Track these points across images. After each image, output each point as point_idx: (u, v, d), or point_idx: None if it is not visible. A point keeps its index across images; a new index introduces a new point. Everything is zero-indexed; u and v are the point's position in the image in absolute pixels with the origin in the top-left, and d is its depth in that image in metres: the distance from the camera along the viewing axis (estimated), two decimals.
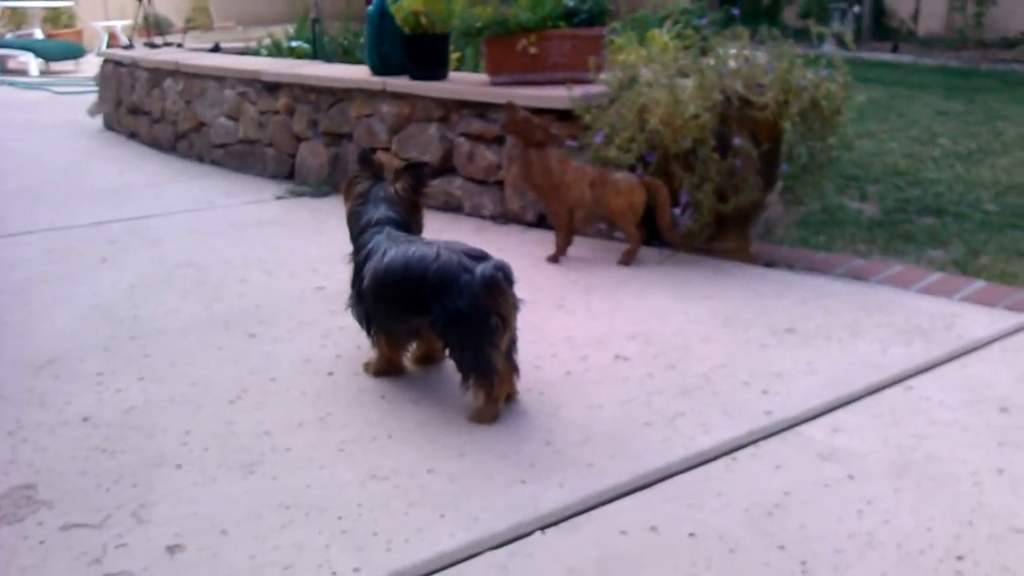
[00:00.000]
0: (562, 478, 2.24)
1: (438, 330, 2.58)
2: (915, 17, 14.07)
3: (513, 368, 2.60)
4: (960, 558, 1.92)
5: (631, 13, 6.54)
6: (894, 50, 12.66)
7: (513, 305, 2.53)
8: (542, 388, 2.72)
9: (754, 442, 2.40)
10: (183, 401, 2.71)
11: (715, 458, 2.33)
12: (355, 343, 3.08)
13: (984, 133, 6.88)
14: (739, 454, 2.35)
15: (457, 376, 2.57)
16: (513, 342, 2.58)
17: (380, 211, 2.83)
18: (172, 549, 2.01)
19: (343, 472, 2.30)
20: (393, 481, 2.25)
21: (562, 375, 2.82)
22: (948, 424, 2.49)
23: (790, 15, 15.00)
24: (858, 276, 3.71)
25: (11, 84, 11.54)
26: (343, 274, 3.75)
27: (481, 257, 2.56)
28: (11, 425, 2.58)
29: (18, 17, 15.27)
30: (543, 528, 2.05)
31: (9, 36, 14.54)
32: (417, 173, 2.94)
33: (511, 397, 2.63)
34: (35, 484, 2.28)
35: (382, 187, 2.90)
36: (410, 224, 2.90)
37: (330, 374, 2.87)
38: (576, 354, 2.96)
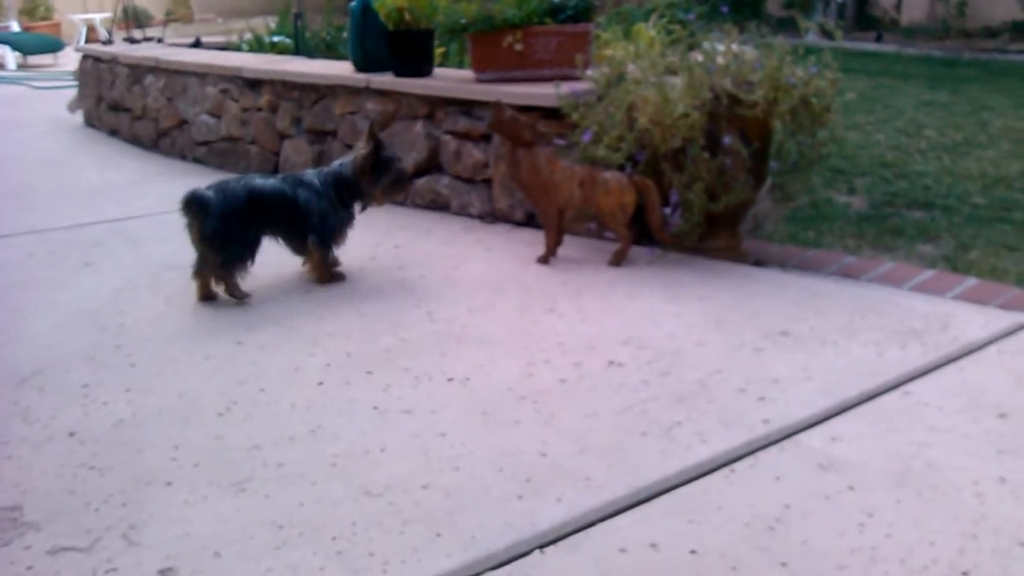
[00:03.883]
0: (559, 492, 2.20)
1: None
2: (898, 6, 14.05)
3: (222, 274, 3.49)
4: (965, 574, 1.90)
5: (616, 7, 6.50)
6: (878, 40, 12.64)
7: (195, 226, 3.43)
8: (536, 396, 2.69)
9: (752, 452, 2.37)
10: (171, 414, 2.66)
11: (714, 470, 2.30)
12: (345, 350, 3.04)
13: (969, 124, 6.87)
14: (738, 465, 2.32)
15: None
16: (218, 256, 3.45)
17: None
18: (164, 573, 1.97)
19: (336, 488, 2.26)
20: (387, 497, 2.21)
21: (556, 383, 2.78)
22: (947, 431, 2.46)
23: (773, 5, 14.98)
24: (849, 274, 3.69)
25: None
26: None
27: (218, 186, 3.50)
28: None
29: None
30: (542, 547, 2.02)
31: None
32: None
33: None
34: (21, 505, 2.23)
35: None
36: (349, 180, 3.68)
37: (320, 384, 2.82)
38: (569, 360, 2.92)
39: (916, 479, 2.24)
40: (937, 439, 2.42)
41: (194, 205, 3.42)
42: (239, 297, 3.50)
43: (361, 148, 3.67)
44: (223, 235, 3.43)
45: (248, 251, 3.52)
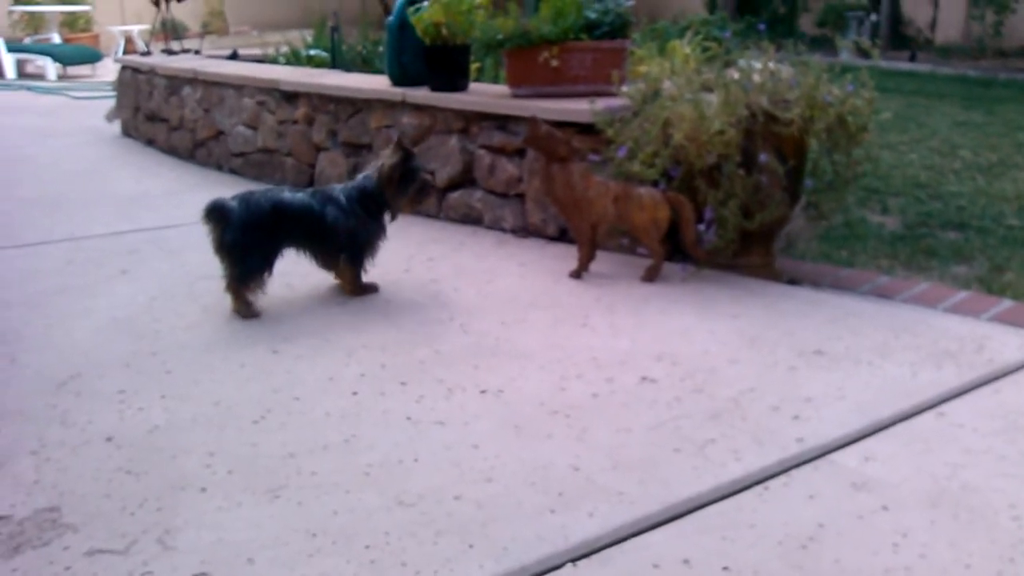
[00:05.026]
0: (592, 507, 2.20)
1: None
2: (932, 25, 14.01)
3: (235, 288, 3.49)
4: None
5: (651, 24, 6.52)
6: (912, 59, 12.60)
7: (215, 236, 3.45)
8: (568, 411, 2.69)
9: (786, 471, 2.36)
10: (206, 421, 2.68)
11: (747, 487, 2.29)
12: (379, 362, 3.06)
13: (1005, 145, 6.83)
14: (771, 483, 2.31)
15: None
16: (233, 268, 3.46)
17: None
18: None
19: (370, 497, 2.27)
20: (420, 507, 2.22)
21: (588, 397, 2.78)
22: (982, 452, 2.45)
23: (806, 23, 14.97)
24: (883, 294, 3.67)
25: (29, 89, 11.57)
26: None
27: (242, 197, 3.50)
28: (34, 444, 2.56)
29: (36, 21, 15.31)
30: (574, 560, 2.02)
31: (27, 40, 14.58)
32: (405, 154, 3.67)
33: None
34: (59, 507, 2.26)
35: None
36: (375, 192, 3.65)
37: (354, 393, 2.84)
38: (602, 375, 2.93)
39: (951, 500, 2.23)
40: (973, 460, 2.40)
41: (215, 214, 3.43)
42: (246, 315, 3.48)
43: (388, 157, 3.65)
44: (242, 247, 3.43)
45: (266, 265, 3.50)
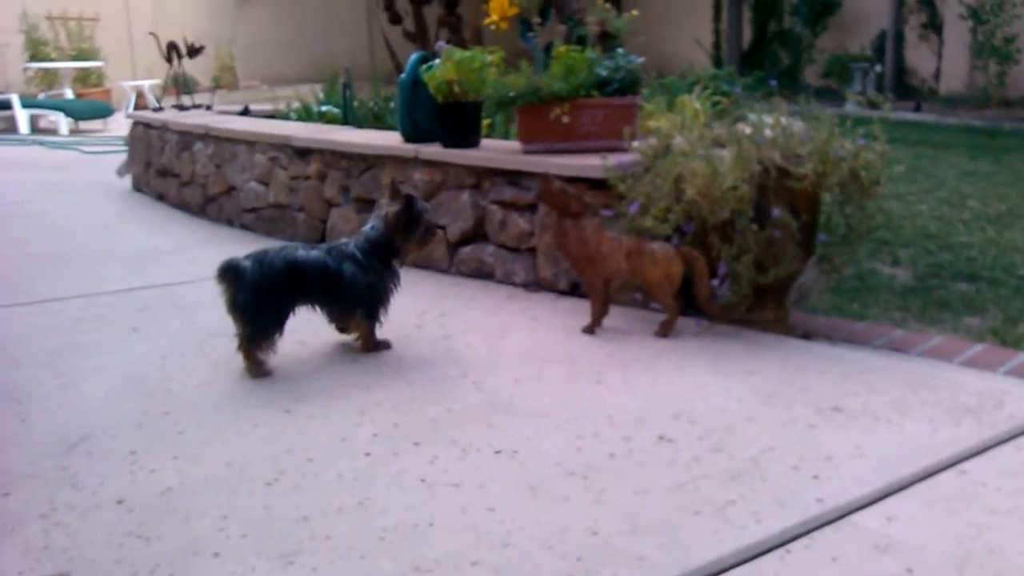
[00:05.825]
0: (611, 572, 2.16)
1: None
2: (936, 76, 14.10)
3: (246, 349, 3.46)
4: None
5: (658, 79, 6.55)
6: (916, 109, 12.65)
7: (228, 296, 3.44)
8: (585, 472, 2.66)
9: (807, 532, 2.32)
10: (219, 483, 2.66)
11: (769, 550, 2.25)
12: (392, 421, 3.03)
13: (1013, 194, 6.82)
14: (793, 546, 2.27)
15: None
16: (245, 328, 3.44)
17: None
18: None
19: (384, 563, 2.23)
20: (436, 574, 2.18)
21: (605, 457, 2.75)
22: (1007, 512, 2.41)
23: (811, 74, 15.08)
24: (898, 348, 3.64)
25: (42, 143, 11.66)
26: None
27: (256, 256, 3.49)
28: (44, 507, 2.53)
29: (50, 77, 15.47)
30: None
31: (41, 96, 14.73)
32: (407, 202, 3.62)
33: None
34: (69, 573, 2.22)
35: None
36: (385, 241, 3.63)
37: (367, 454, 2.81)
38: (618, 434, 2.90)
39: (977, 563, 2.19)
40: (998, 521, 2.36)
41: (229, 274, 3.42)
42: (257, 375, 3.45)
43: (389, 205, 3.63)
44: (253, 307, 3.41)
45: (278, 325, 3.48)
